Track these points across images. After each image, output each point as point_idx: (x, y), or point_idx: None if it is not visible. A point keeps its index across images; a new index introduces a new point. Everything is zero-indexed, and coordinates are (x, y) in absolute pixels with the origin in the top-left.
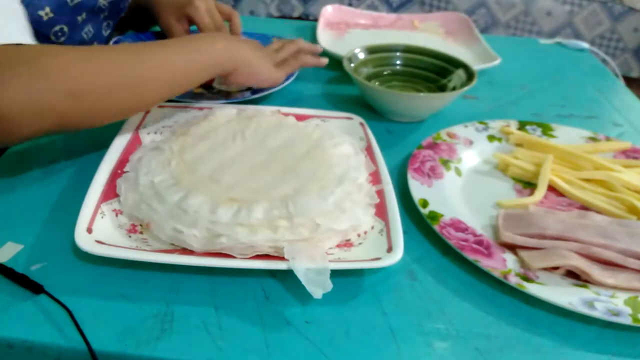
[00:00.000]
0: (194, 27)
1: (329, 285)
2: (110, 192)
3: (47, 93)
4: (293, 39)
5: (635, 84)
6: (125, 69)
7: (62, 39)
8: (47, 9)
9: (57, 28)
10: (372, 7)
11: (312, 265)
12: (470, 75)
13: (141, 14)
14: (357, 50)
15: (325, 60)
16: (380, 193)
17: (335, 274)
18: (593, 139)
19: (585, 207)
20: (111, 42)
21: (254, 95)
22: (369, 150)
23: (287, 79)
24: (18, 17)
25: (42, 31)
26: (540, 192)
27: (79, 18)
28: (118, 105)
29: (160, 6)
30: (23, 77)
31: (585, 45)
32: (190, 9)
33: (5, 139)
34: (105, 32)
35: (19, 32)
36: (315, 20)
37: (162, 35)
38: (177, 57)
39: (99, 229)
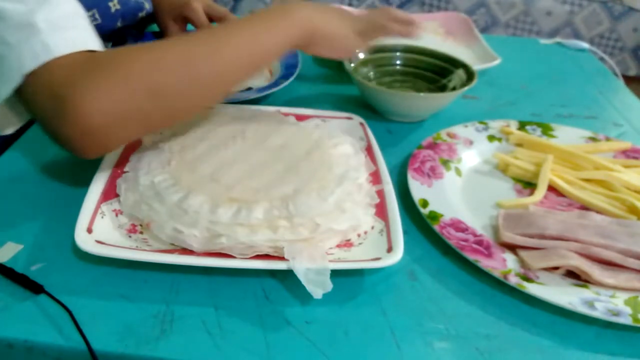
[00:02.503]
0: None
1: (329, 285)
2: (110, 192)
3: (130, 96)
4: (385, 8)
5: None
6: (200, 63)
7: None
8: None
9: None
10: (373, 7)
11: (312, 265)
12: (470, 75)
13: None
14: (357, 50)
15: (416, 32)
16: (380, 193)
17: (335, 274)
18: (593, 139)
19: (585, 207)
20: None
21: (254, 95)
22: (369, 150)
23: (287, 78)
24: (85, 22)
25: None
26: (540, 192)
27: None
28: (197, 98)
29: (158, 4)
30: (104, 85)
31: (585, 45)
32: (187, 10)
33: (95, 151)
34: None
35: (91, 37)
36: None
37: (161, 35)
38: (251, 40)
39: (99, 229)
